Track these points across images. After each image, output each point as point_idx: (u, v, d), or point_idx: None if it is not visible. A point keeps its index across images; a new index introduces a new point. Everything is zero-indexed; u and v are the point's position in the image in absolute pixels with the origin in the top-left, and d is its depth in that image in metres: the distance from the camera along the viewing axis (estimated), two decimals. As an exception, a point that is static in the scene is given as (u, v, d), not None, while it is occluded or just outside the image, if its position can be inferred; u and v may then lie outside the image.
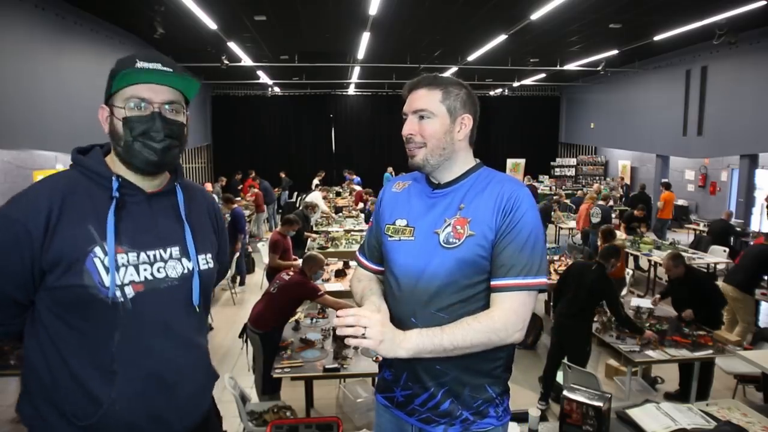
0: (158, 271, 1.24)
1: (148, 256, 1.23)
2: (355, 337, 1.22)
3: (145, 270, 1.22)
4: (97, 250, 1.17)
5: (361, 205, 11.02)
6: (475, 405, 1.37)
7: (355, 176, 14.45)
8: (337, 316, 1.24)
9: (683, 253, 7.28)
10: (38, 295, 1.20)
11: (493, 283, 1.32)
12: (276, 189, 13.24)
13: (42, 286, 1.18)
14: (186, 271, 1.29)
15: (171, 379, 1.27)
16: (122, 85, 1.20)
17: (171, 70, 1.23)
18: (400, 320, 1.37)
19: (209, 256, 1.36)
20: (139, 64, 1.21)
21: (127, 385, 1.20)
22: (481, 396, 1.38)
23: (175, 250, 1.28)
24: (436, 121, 1.38)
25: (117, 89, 1.21)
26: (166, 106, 1.23)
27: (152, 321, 1.23)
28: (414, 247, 1.39)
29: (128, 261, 1.20)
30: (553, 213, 10.43)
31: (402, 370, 1.41)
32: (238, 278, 7.64)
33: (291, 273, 4.21)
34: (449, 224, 1.36)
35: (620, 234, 6.58)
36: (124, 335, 1.20)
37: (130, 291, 1.19)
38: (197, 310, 1.32)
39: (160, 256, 1.25)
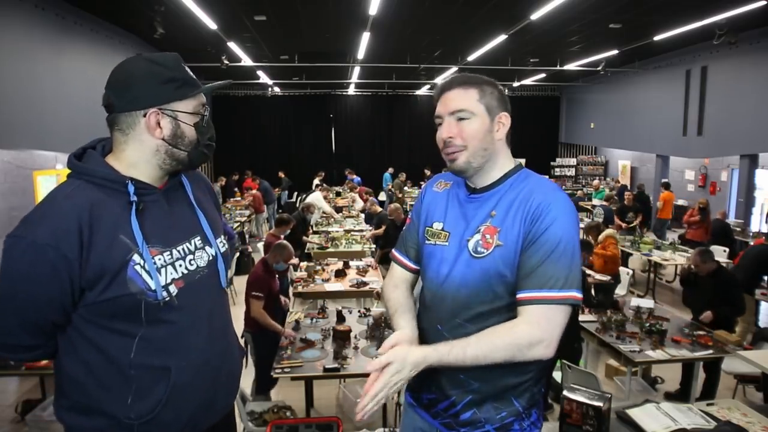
0: (190, 263, 1.29)
1: (179, 252, 1.28)
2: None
3: (180, 266, 1.26)
4: (135, 257, 1.18)
5: (361, 204, 11.03)
6: (499, 417, 1.32)
7: (355, 176, 14.45)
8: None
9: (684, 253, 7.32)
10: (76, 312, 1.20)
11: (519, 295, 1.24)
12: (276, 189, 13.25)
13: (81, 303, 1.18)
14: (211, 257, 1.35)
15: (217, 364, 1.34)
16: (188, 94, 1.25)
17: None
18: (428, 328, 1.36)
19: (223, 237, 1.43)
20: (191, 73, 1.27)
21: (180, 378, 1.25)
22: (506, 408, 1.32)
23: (198, 240, 1.33)
24: (476, 120, 1.31)
25: (183, 97, 1.24)
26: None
27: (196, 312, 1.29)
28: (447, 253, 1.35)
29: (165, 261, 1.23)
30: None
31: (426, 375, 1.35)
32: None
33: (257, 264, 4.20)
34: (479, 231, 1.31)
35: (610, 230, 6.68)
36: (174, 332, 1.25)
37: (173, 289, 1.23)
38: (225, 291, 1.42)
39: (188, 249, 1.30)
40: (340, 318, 4.24)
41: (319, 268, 6.01)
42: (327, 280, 5.65)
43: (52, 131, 6.51)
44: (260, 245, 8.13)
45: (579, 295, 1.24)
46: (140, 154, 1.25)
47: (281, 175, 14.49)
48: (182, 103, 1.25)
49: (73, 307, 1.18)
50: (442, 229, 1.39)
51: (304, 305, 5.82)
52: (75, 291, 1.16)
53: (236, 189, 13.56)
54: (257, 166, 14.94)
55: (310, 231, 8.28)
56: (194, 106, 1.27)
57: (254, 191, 11.56)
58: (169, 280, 1.23)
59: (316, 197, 9.64)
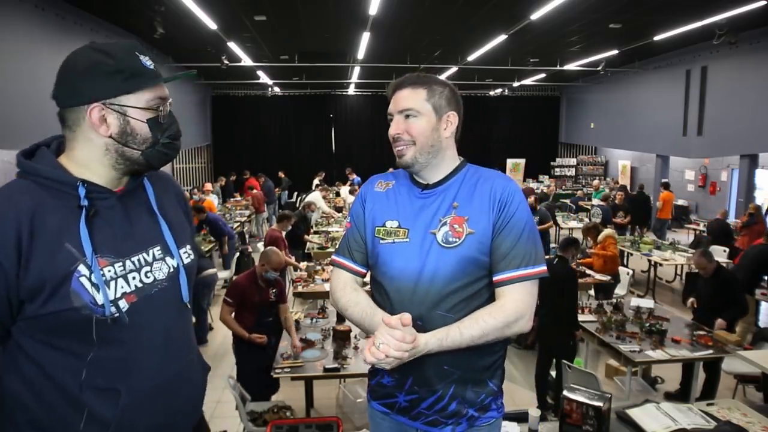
0: (146, 276, 1.16)
1: (134, 263, 1.15)
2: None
3: (134, 278, 1.14)
4: (81, 267, 1.06)
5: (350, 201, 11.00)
6: (479, 400, 1.39)
7: (355, 176, 14.44)
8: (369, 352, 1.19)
9: (684, 254, 7.32)
10: (16, 326, 1.08)
11: (498, 277, 1.33)
12: (276, 189, 13.26)
13: (21, 317, 1.06)
14: (171, 269, 1.22)
15: (175, 385, 1.22)
16: (139, 86, 1.12)
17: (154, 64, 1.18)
18: None
19: (189, 247, 1.30)
20: (148, 63, 1.14)
21: (131, 401, 1.13)
22: (484, 391, 1.40)
23: (157, 250, 1.20)
24: (422, 119, 1.38)
25: (132, 90, 1.11)
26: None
27: (150, 330, 1.16)
28: (410, 249, 1.37)
29: (116, 273, 1.11)
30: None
31: (407, 375, 1.37)
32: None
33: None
34: (445, 223, 1.36)
35: (608, 230, 6.65)
36: (123, 350, 1.13)
37: (124, 304, 1.11)
38: (187, 306, 1.27)
39: (144, 260, 1.17)
40: (340, 318, 4.23)
41: (319, 268, 6.01)
42: (327, 280, 5.64)
43: (52, 131, 6.43)
44: (260, 245, 8.14)
45: (546, 268, 1.37)
46: (90, 153, 1.13)
47: (281, 175, 14.51)
48: (132, 96, 1.11)
49: (11, 319, 1.07)
50: (399, 226, 1.41)
51: (304, 305, 5.82)
52: (12, 301, 1.04)
53: (235, 190, 13.57)
54: (257, 166, 14.94)
55: (311, 230, 8.28)
56: (147, 99, 1.12)
57: (256, 191, 11.55)
58: (119, 294, 1.10)
59: (315, 197, 9.65)
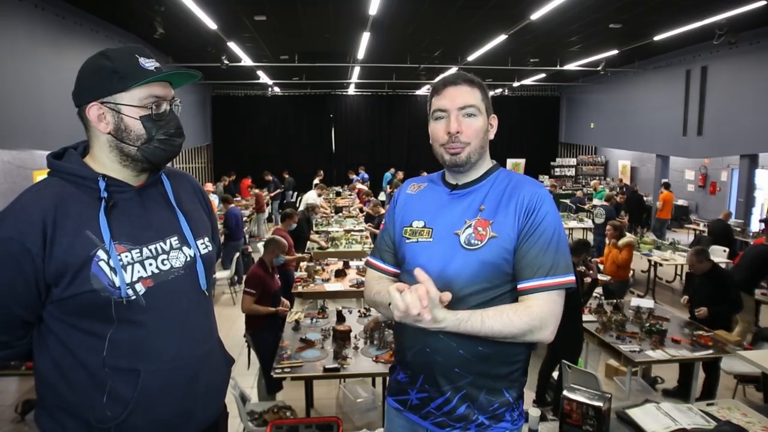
0: (163, 263, 1.25)
1: (151, 251, 1.24)
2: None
3: (150, 265, 1.22)
4: (100, 253, 1.16)
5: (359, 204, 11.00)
6: (491, 409, 1.35)
7: (355, 175, 14.35)
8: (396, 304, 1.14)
9: (683, 254, 7.31)
10: (45, 309, 1.19)
11: (523, 285, 1.29)
12: (277, 190, 13.28)
13: (48, 300, 1.17)
14: (189, 258, 1.30)
15: (192, 370, 1.28)
16: (132, 84, 1.19)
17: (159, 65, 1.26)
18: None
19: (206, 239, 1.38)
20: (147, 64, 1.21)
21: (150, 382, 1.21)
22: (497, 400, 1.36)
23: (174, 240, 1.29)
24: (480, 119, 1.36)
25: (125, 88, 1.19)
26: (173, 103, 1.27)
27: (167, 314, 1.24)
28: (433, 248, 1.36)
29: (132, 258, 1.20)
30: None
31: (419, 372, 1.38)
32: (235, 278, 7.67)
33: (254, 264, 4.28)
34: (470, 225, 1.34)
35: (630, 238, 6.43)
36: (141, 332, 1.21)
37: (140, 288, 1.20)
38: (206, 294, 1.35)
39: (161, 248, 1.26)
40: (340, 318, 4.24)
41: (319, 268, 6.01)
42: (327, 280, 5.65)
43: (52, 131, 6.51)
44: (260, 245, 8.12)
45: (574, 278, 1.32)
46: (100, 150, 1.24)
47: (285, 175, 14.49)
48: (126, 94, 1.19)
49: (40, 303, 1.17)
50: (425, 226, 1.41)
51: (304, 305, 5.82)
52: (40, 286, 1.14)
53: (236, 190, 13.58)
54: (257, 166, 14.94)
55: (312, 232, 8.28)
56: (140, 98, 1.20)
57: (257, 190, 11.55)
58: (135, 278, 1.19)
59: (311, 196, 9.64)
